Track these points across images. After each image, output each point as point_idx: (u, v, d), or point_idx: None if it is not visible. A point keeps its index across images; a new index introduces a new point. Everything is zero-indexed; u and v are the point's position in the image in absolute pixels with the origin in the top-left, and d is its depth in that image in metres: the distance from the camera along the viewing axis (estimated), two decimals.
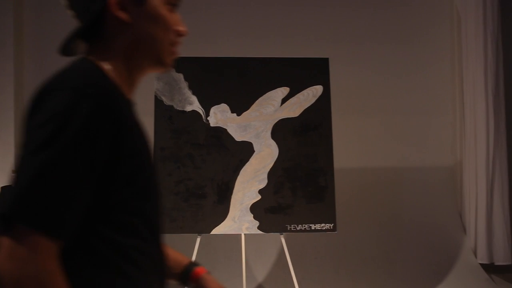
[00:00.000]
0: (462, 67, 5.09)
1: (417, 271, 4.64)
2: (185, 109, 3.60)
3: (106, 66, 1.13)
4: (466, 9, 4.97)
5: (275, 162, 3.58)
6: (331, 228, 3.55)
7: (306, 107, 3.64)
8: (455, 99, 5.38)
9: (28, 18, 5.26)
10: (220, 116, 3.60)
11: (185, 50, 5.22)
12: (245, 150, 3.58)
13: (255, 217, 3.52)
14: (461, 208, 5.29)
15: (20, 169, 0.98)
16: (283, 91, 3.65)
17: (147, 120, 4.82)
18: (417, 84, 5.45)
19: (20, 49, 5.19)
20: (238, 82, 3.64)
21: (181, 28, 1.22)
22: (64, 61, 1.15)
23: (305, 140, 3.62)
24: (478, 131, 4.87)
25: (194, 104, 3.61)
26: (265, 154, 3.58)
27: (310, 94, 3.66)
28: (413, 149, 5.42)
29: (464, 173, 5.12)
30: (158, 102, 3.60)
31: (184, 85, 3.62)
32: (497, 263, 4.74)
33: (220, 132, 3.58)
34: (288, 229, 3.54)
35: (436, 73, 5.48)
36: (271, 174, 3.56)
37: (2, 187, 3.39)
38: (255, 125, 3.60)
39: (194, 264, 1.41)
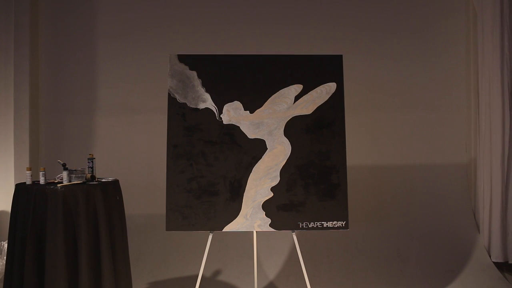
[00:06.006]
0: (478, 63, 5.02)
1: (429, 270, 4.61)
2: (198, 107, 3.61)
3: None
4: (483, 4, 4.90)
5: (288, 160, 3.57)
6: (343, 225, 3.54)
7: (319, 104, 3.63)
8: (470, 95, 5.32)
9: (43, 18, 5.31)
10: (233, 113, 3.61)
11: (198, 48, 5.21)
12: (258, 148, 3.58)
13: (267, 215, 3.52)
14: (474, 206, 5.25)
15: None
16: (296, 88, 3.64)
17: (160, 118, 4.84)
18: (431, 81, 5.41)
19: (36, 49, 5.23)
20: (251, 79, 3.64)
21: None
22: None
23: (318, 137, 3.61)
24: (493, 128, 4.81)
25: (207, 102, 3.62)
26: (278, 152, 3.58)
27: (324, 92, 3.64)
28: (426, 146, 5.39)
29: (479, 170, 5.06)
30: (171, 99, 3.61)
31: (197, 82, 3.63)
32: (511, 262, 4.70)
33: (233, 130, 3.59)
34: (300, 226, 3.54)
35: (451, 70, 5.42)
36: (283, 171, 3.56)
37: (17, 185, 3.43)
38: (268, 123, 3.60)
39: None
